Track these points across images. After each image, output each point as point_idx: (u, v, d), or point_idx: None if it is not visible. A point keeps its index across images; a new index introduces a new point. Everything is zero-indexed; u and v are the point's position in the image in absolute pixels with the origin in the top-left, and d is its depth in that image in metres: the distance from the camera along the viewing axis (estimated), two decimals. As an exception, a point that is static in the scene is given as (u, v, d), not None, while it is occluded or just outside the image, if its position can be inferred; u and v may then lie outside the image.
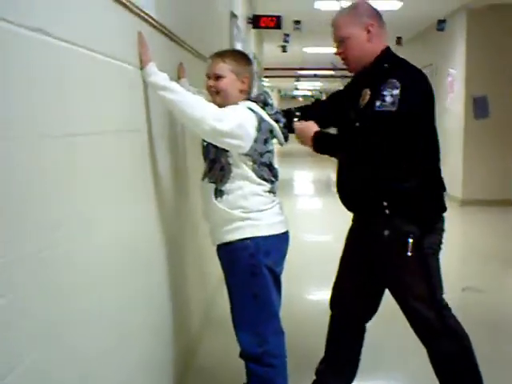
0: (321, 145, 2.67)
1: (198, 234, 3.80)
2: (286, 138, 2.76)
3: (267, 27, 9.38)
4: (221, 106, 2.60)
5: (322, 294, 4.84)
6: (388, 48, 2.68)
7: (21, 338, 1.35)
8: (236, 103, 2.62)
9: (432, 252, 2.62)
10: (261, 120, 2.58)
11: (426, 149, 2.62)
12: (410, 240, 2.52)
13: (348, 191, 2.74)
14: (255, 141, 2.55)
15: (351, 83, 2.84)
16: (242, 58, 2.78)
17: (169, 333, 2.93)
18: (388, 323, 3.45)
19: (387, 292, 2.80)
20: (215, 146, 2.57)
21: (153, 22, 2.59)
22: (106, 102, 2.01)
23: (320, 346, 2.98)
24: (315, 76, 20.81)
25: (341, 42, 2.66)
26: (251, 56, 9.76)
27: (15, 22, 1.33)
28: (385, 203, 2.55)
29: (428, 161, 2.64)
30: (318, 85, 28.88)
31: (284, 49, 13.14)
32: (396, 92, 2.42)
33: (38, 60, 1.47)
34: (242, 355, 2.73)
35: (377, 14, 2.67)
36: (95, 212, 1.85)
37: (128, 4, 2.21)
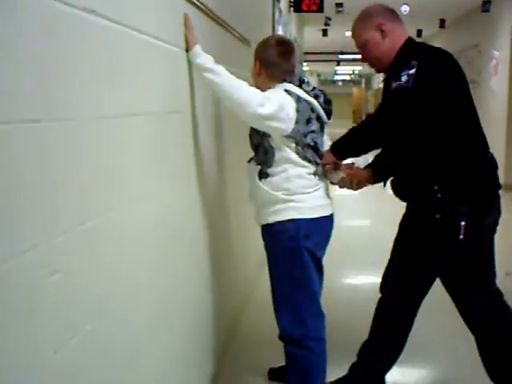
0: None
1: (240, 215, 3.84)
2: (329, 116, 2.75)
3: (309, 10, 9.30)
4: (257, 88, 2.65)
5: (363, 279, 4.85)
6: (409, 39, 2.66)
7: (75, 312, 1.40)
8: (269, 87, 2.64)
9: (487, 234, 2.59)
10: (298, 100, 2.59)
11: (467, 125, 2.56)
12: (463, 222, 2.48)
13: (398, 181, 2.72)
14: (296, 122, 2.56)
15: (384, 83, 2.81)
16: (264, 41, 2.81)
17: (208, 311, 2.98)
18: (433, 311, 3.43)
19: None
20: (258, 132, 2.60)
21: (198, 3, 2.61)
22: (153, 85, 2.04)
23: (359, 330, 2.99)
24: (354, 60, 20.62)
25: (361, 48, 2.71)
26: (292, 39, 9.72)
27: (70, 2, 1.36)
28: (436, 187, 2.52)
29: (473, 138, 2.58)
30: (357, 69, 28.63)
31: (325, 32, 13.02)
32: (412, 71, 2.41)
33: (92, 42, 1.50)
34: (280, 337, 2.75)
35: (387, 12, 2.69)
36: (138, 191, 1.89)
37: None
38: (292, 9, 9.34)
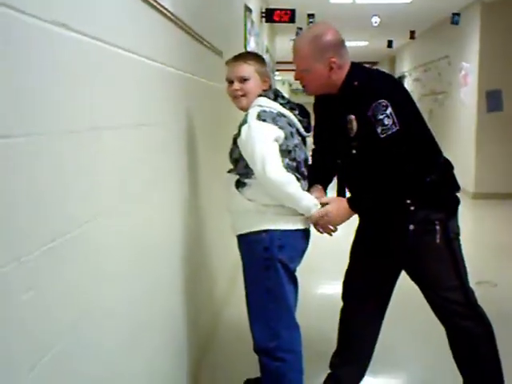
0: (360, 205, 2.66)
1: (215, 226, 3.83)
2: (308, 129, 2.74)
3: (281, 21, 9.34)
4: (246, 107, 2.67)
5: (335, 288, 4.87)
6: (353, 64, 2.64)
7: (49, 329, 1.38)
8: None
9: (455, 236, 2.64)
10: (276, 115, 2.59)
11: (425, 139, 2.61)
12: (438, 227, 2.55)
13: (367, 202, 2.67)
14: (285, 137, 2.57)
15: (324, 106, 2.78)
16: (261, 59, 2.81)
17: (183, 325, 2.95)
18: (398, 317, 3.46)
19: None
20: (238, 147, 2.59)
21: (169, 14, 2.59)
22: (125, 97, 2.02)
23: (334, 339, 3.00)
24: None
25: (301, 71, 2.62)
26: (264, 49, 9.75)
27: (42, 17, 1.35)
28: (408, 201, 2.55)
29: (434, 148, 2.64)
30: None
31: (296, 42, 13.08)
32: (389, 110, 2.43)
33: (64, 55, 1.48)
34: (255, 349, 2.73)
35: (339, 45, 2.60)
36: (112, 206, 1.87)
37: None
38: (264, 19, 9.37)
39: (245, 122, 2.58)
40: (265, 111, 2.58)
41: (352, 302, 2.92)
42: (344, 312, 2.96)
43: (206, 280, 3.68)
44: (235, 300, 4.26)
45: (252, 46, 7.10)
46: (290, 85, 30.38)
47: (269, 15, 9.30)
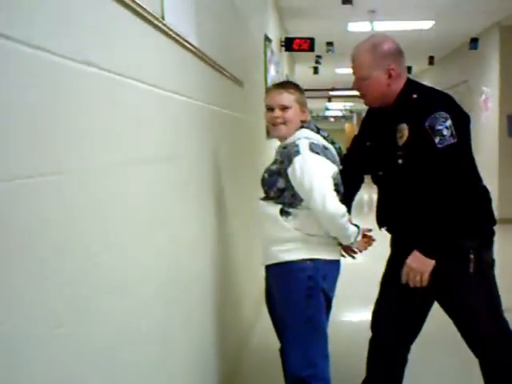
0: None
1: (237, 255, 3.84)
2: (342, 161, 2.78)
3: (300, 50, 9.42)
4: (284, 136, 2.72)
5: (362, 316, 4.84)
6: (409, 79, 2.67)
7: (82, 363, 1.41)
8: (294, 133, 2.70)
9: (492, 265, 2.63)
10: (323, 148, 2.64)
11: (474, 166, 2.63)
12: (472, 256, 2.52)
13: (401, 221, 2.69)
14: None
15: (374, 118, 2.81)
16: (300, 89, 2.84)
17: (210, 352, 2.95)
18: (428, 345, 3.43)
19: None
20: (286, 177, 2.61)
21: (192, 48, 2.65)
22: (149, 130, 2.05)
23: (361, 368, 2.98)
24: (345, 96, 20.77)
25: (360, 79, 2.66)
26: (284, 77, 9.82)
27: (66, 55, 1.40)
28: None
29: (477, 175, 2.64)
30: (348, 105, 28.83)
31: (316, 70, 13.18)
32: (449, 123, 2.44)
33: (89, 92, 1.53)
34: (287, 378, 2.73)
35: (399, 53, 2.64)
36: (143, 234, 1.90)
37: (170, 33, 2.26)
38: (283, 48, 9.46)
39: (297, 152, 2.59)
40: (314, 143, 2.62)
41: (382, 333, 2.88)
42: (373, 342, 2.92)
43: (233, 307, 3.68)
44: (260, 327, 4.26)
45: (272, 75, 7.16)
46: (311, 112, 30.49)
47: (288, 44, 9.39)
